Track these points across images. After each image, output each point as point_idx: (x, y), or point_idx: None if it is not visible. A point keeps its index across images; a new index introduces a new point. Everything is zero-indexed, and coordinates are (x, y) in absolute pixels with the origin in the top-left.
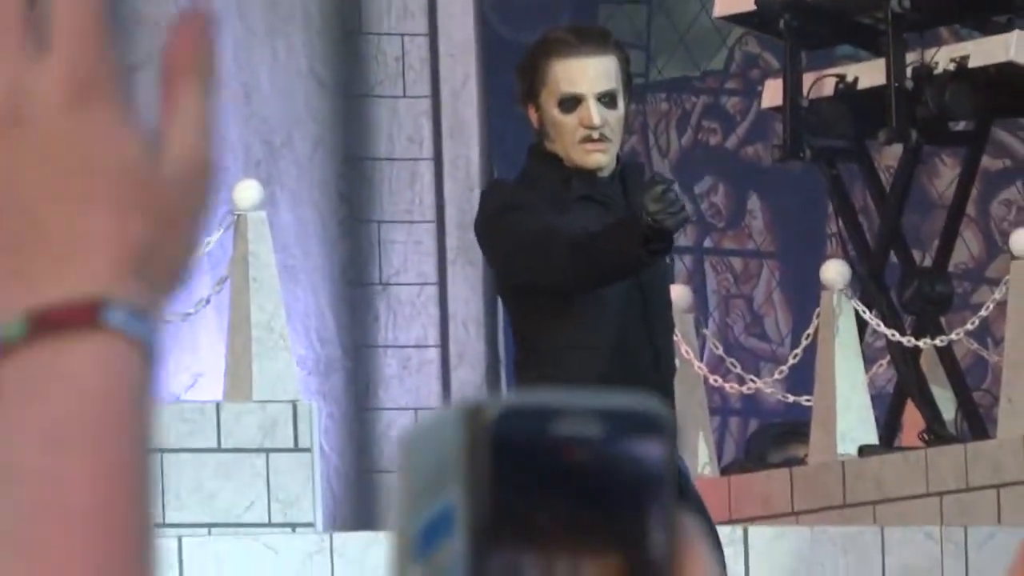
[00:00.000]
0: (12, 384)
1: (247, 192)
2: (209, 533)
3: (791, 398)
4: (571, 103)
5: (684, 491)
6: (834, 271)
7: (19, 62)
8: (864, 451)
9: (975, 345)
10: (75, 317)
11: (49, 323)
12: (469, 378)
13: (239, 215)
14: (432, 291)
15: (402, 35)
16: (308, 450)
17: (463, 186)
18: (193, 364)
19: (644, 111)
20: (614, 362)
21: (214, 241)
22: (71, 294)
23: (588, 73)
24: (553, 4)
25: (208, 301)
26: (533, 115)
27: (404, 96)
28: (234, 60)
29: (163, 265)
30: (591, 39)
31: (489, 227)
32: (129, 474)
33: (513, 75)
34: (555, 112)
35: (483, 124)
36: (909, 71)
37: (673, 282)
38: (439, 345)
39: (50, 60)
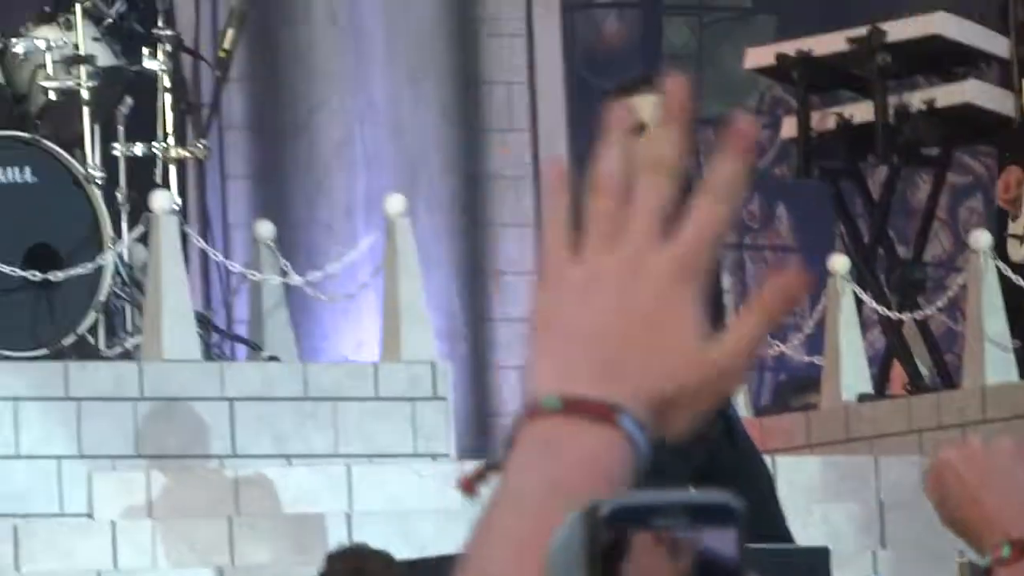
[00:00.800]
0: (536, 438)
1: (395, 203)
2: (371, 462)
3: (808, 357)
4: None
5: (737, 429)
6: (838, 262)
7: (651, 240)
8: (862, 398)
9: (946, 318)
10: (599, 412)
11: (580, 407)
12: None
13: (390, 220)
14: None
15: (508, 83)
16: (444, 399)
17: None
18: (358, 333)
19: (697, 140)
20: None
21: (373, 240)
22: (605, 397)
23: (648, 107)
24: (628, 57)
25: (367, 285)
26: None
27: (511, 130)
28: (387, 101)
29: (669, 416)
30: (649, 82)
31: None
32: None
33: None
34: None
35: (569, 149)
36: (892, 109)
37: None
38: None
39: (674, 244)
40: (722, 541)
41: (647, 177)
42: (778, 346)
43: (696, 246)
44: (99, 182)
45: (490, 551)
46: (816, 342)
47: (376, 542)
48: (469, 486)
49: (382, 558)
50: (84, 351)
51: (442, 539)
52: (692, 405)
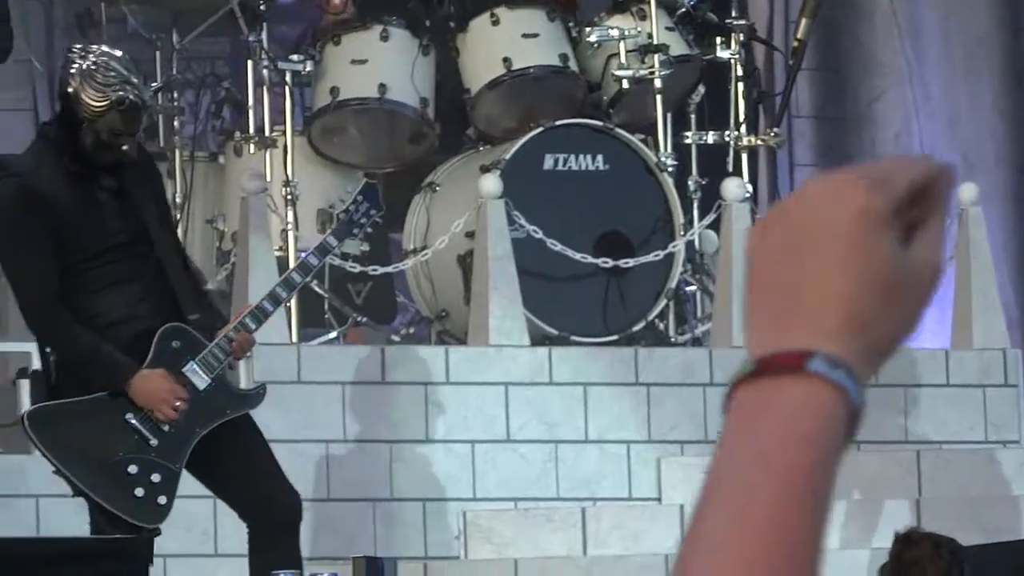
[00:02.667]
0: (740, 406)
1: (968, 191)
2: (940, 448)
3: None
4: None
5: None
6: None
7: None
8: None
9: None
10: (786, 363)
11: (768, 366)
12: None
13: (962, 209)
14: None
15: None
16: (1014, 386)
17: None
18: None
19: None
20: None
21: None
22: (789, 346)
23: None
24: None
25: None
26: None
27: None
28: (942, 95)
29: (879, 336)
30: None
31: None
32: (808, 498)
33: None
34: None
35: None
36: None
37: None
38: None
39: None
40: None
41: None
42: None
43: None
44: (670, 170)
45: (708, 529)
46: None
47: (944, 529)
48: None
49: (937, 543)
50: (654, 337)
51: (1013, 526)
52: (904, 317)
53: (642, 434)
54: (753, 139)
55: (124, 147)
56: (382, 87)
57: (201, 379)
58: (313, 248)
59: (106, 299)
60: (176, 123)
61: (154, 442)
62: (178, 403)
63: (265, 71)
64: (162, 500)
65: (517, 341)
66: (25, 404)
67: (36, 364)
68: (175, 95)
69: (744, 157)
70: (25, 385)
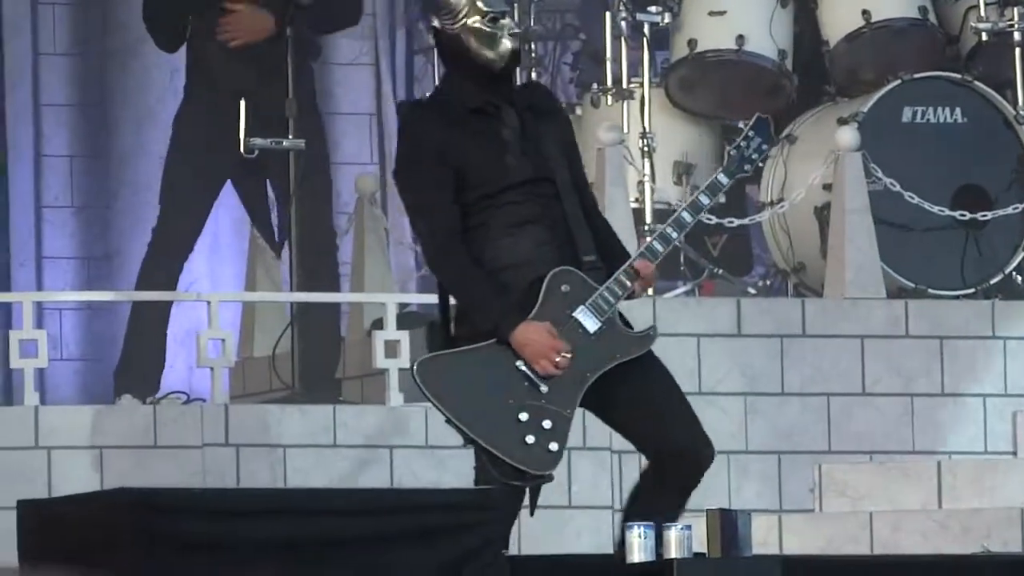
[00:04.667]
0: None
1: None
2: None
3: None
4: None
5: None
6: None
7: None
8: None
9: None
10: None
11: None
12: None
13: None
14: None
15: None
16: None
17: None
18: None
19: None
20: None
21: None
22: None
23: None
24: None
25: None
26: None
27: None
28: None
29: None
30: None
31: None
32: None
33: None
34: None
35: None
36: None
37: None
38: None
39: None
40: None
41: None
42: None
43: None
44: None
45: None
46: None
47: None
48: None
49: None
50: (1011, 290)
51: None
52: None
53: (998, 387)
54: None
55: (508, 24)
56: (740, 39)
57: (592, 322)
58: (703, 186)
59: (505, 242)
60: (534, 74)
61: (544, 388)
62: (559, 358)
63: (623, 23)
64: (553, 447)
65: (874, 293)
66: (380, 356)
67: (392, 315)
68: (532, 46)
69: None
70: (379, 336)
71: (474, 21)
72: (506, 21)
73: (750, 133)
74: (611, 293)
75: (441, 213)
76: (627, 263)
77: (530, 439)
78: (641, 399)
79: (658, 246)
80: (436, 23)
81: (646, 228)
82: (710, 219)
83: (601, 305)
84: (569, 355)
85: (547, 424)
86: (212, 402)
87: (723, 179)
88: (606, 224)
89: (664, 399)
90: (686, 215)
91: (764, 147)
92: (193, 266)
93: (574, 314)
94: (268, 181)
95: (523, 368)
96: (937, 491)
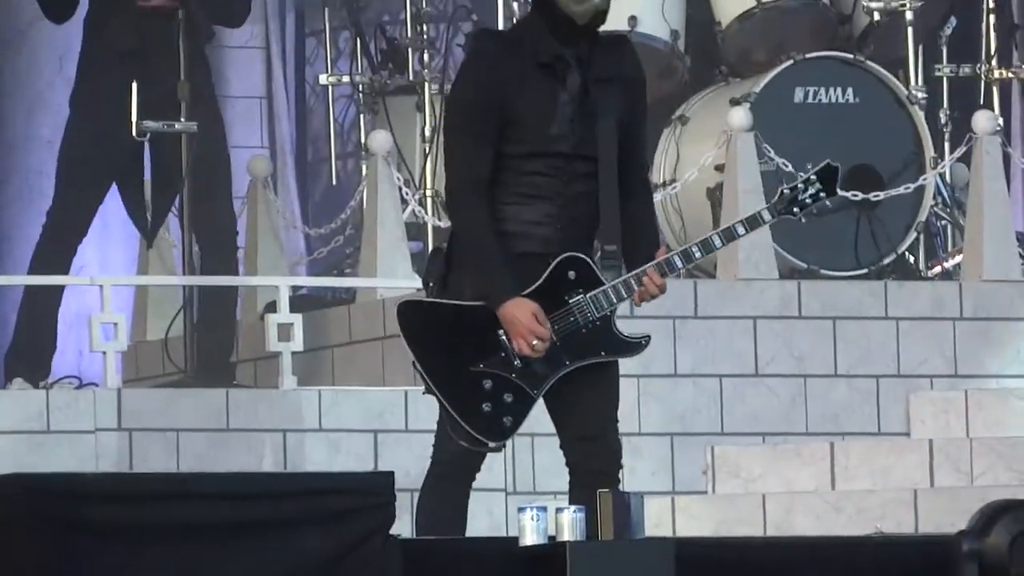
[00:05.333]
0: None
1: None
2: None
3: None
4: None
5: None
6: None
7: None
8: None
9: None
10: None
11: None
12: None
13: None
14: None
15: None
16: None
17: None
18: None
19: None
20: None
21: None
22: None
23: None
24: None
25: None
26: None
27: None
28: None
29: None
30: None
31: None
32: None
33: None
34: None
35: None
36: None
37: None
38: None
39: None
40: None
41: None
42: None
43: None
44: (921, 103)
45: None
46: None
47: None
48: None
49: None
50: (904, 271)
51: None
52: None
53: (891, 368)
54: (1004, 72)
55: None
56: (632, 20)
57: (587, 315)
58: (743, 216)
59: (511, 210)
60: (425, 56)
61: (517, 363)
62: (536, 342)
63: (515, 3)
64: (507, 421)
65: (766, 274)
66: (274, 340)
67: (284, 299)
68: (424, 28)
69: (995, 90)
70: (272, 320)
71: None
72: None
73: (812, 177)
74: (615, 292)
75: (475, 164)
76: (642, 268)
77: (487, 407)
78: (581, 404)
79: (678, 261)
80: None
81: None
82: None
83: (601, 301)
84: (547, 341)
85: (508, 398)
86: (105, 387)
87: (766, 216)
88: (646, 212)
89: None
90: (717, 240)
91: (822, 196)
92: (82, 249)
93: (571, 301)
94: (146, 169)
95: (503, 338)
96: (830, 473)
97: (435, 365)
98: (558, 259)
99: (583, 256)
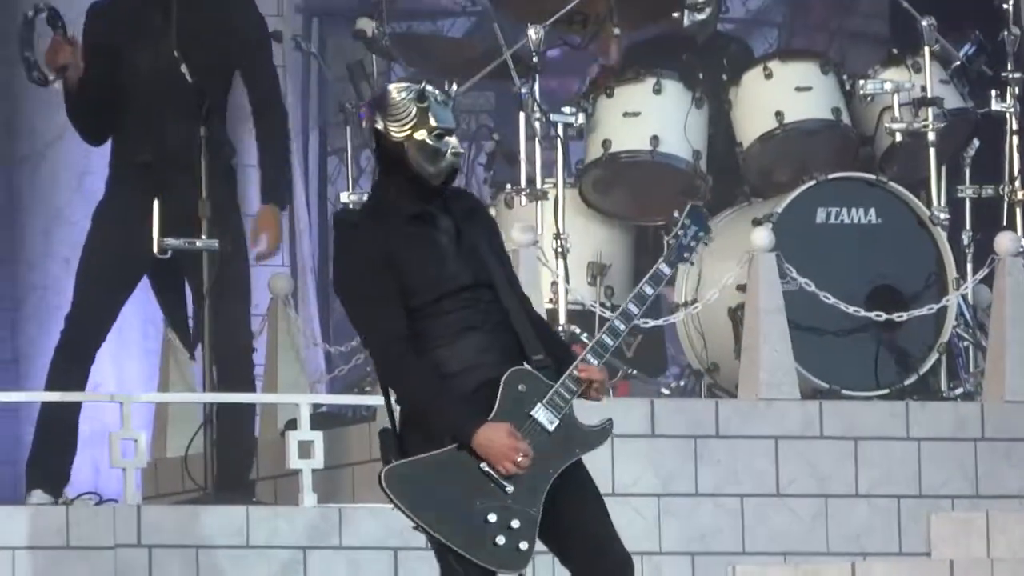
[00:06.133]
0: None
1: None
2: None
3: None
4: None
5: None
6: None
7: None
8: None
9: None
10: None
11: None
12: None
13: None
14: None
15: None
16: None
17: None
18: None
19: None
20: None
21: None
22: None
23: None
24: None
25: None
26: None
27: None
28: None
29: None
30: None
31: None
32: None
33: None
34: None
35: None
36: None
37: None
38: None
39: None
40: None
41: None
42: None
43: None
44: (944, 224)
45: None
46: None
47: None
48: None
49: None
50: (925, 391)
51: None
52: None
53: (912, 489)
54: None
55: (453, 143)
56: (655, 139)
57: (550, 419)
58: (646, 277)
59: (444, 353)
60: None
61: (510, 488)
62: (520, 458)
63: (537, 123)
64: (523, 546)
65: (788, 395)
66: (294, 457)
67: (305, 416)
68: None
69: (1018, 211)
70: (293, 437)
71: (420, 134)
72: (452, 139)
73: (686, 221)
74: (566, 389)
75: (391, 322)
76: (580, 357)
77: (500, 540)
78: (579, 525)
79: (607, 339)
80: (380, 125)
81: (560, 329)
82: None
83: (557, 401)
84: (531, 454)
85: (515, 524)
86: (124, 503)
87: (665, 269)
88: (542, 319)
89: (600, 525)
90: (632, 307)
91: (701, 234)
92: (98, 364)
93: (532, 412)
94: (185, 280)
95: (487, 470)
96: None
97: (438, 520)
98: (504, 377)
99: (524, 367)
